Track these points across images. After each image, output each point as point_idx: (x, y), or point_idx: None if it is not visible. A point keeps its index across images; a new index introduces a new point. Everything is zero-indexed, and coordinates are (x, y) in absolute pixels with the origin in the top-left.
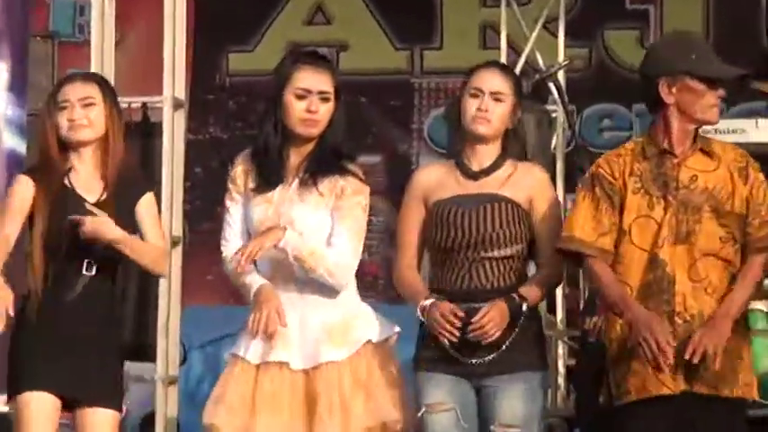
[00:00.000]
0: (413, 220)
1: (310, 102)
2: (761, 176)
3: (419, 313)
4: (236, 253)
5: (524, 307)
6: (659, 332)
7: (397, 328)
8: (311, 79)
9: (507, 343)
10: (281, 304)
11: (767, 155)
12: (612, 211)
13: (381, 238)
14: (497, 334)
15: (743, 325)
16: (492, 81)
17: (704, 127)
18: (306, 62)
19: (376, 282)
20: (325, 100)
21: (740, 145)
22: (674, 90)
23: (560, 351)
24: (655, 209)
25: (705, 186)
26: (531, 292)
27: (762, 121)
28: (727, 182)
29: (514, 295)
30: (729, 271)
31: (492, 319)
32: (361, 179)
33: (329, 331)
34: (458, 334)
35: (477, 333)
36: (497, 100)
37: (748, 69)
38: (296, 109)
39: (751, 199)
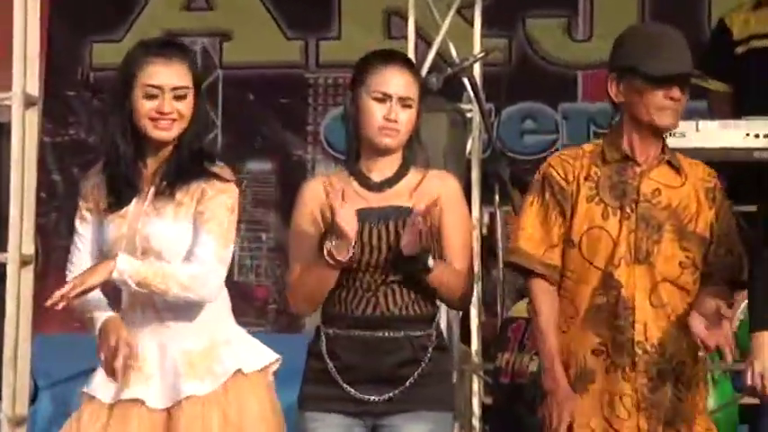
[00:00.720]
0: (310, 233)
1: (162, 101)
2: (727, 202)
3: (326, 254)
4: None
5: (430, 262)
6: (566, 417)
7: (277, 356)
8: (163, 74)
9: (412, 378)
10: (129, 335)
11: (710, 162)
12: (563, 220)
13: (272, 258)
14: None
15: (704, 369)
16: (399, 83)
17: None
18: (155, 54)
19: (265, 308)
20: (181, 97)
21: (679, 150)
22: (621, 88)
23: (475, 387)
24: (609, 220)
25: (668, 203)
26: (440, 265)
27: (703, 123)
28: (692, 201)
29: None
30: (687, 302)
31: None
32: (225, 179)
33: (191, 362)
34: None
35: (414, 229)
36: (406, 106)
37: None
38: (146, 109)
39: (716, 224)
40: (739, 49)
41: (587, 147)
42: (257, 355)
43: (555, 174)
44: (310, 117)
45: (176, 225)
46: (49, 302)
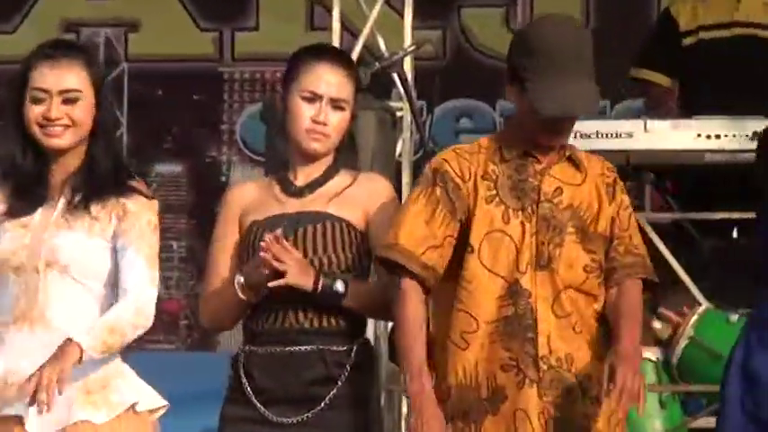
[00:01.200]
0: (228, 243)
1: (50, 105)
2: (626, 198)
3: (239, 291)
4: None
5: (339, 287)
6: None
7: (165, 402)
8: (49, 76)
9: (327, 399)
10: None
11: (660, 164)
12: (451, 219)
13: (183, 269)
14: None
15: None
16: (331, 83)
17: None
18: (44, 55)
19: (176, 324)
20: (71, 101)
21: (626, 152)
22: (511, 86)
23: (405, 409)
24: (511, 223)
25: (570, 202)
26: (357, 286)
27: (652, 123)
28: (594, 199)
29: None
30: (594, 308)
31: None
32: (146, 195)
33: (87, 389)
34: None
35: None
36: (338, 107)
37: (633, 59)
38: (34, 115)
39: (617, 220)
40: (687, 41)
41: (483, 142)
42: (149, 396)
43: (450, 170)
44: (225, 115)
45: (90, 241)
46: (43, 403)
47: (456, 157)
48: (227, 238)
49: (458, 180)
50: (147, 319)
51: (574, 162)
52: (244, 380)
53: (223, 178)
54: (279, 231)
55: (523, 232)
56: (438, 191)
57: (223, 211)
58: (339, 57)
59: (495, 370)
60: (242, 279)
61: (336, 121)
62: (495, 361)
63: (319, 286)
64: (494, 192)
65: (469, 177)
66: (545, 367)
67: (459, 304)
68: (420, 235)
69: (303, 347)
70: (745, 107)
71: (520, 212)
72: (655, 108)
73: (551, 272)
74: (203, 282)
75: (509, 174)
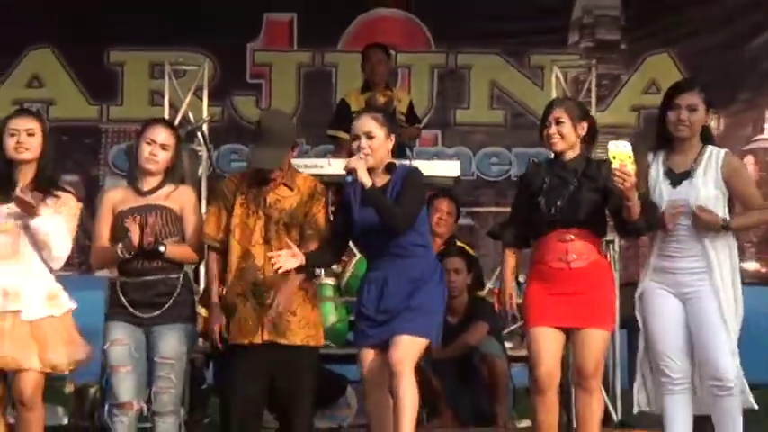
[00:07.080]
0: (105, 222)
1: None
2: (322, 201)
3: (119, 252)
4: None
5: (160, 249)
6: (217, 323)
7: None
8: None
9: (170, 302)
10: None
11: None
12: (228, 216)
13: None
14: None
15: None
16: (162, 135)
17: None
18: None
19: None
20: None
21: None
22: None
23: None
24: (250, 217)
25: (283, 207)
26: (173, 248)
27: (335, 161)
28: (301, 205)
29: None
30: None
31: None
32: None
33: (48, 295)
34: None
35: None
36: (164, 149)
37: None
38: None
39: (309, 213)
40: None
41: (248, 171)
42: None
43: (225, 189)
44: (102, 150)
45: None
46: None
47: (229, 181)
48: (104, 220)
49: (228, 194)
50: (64, 249)
51: (287, 185)
52: (120, 294)
53: (101, 184)
54: (137, 217)
55: (255, 223)
56: (221, 202)
57: (103, 201)
58: (165, 123)
59: (234, 294)
60: (121, 245)
61: (163, 156)
62: (234, 289)
63: (152, 249)
64: (244, 200)
65: (234, 192)
66: (267, 294)
67: (224, 258)
68: (214, 227)
69: (154, 277)
70: None
71: (255, 212)
72: (341, 152)
73: (270, 244)
74: (93, 243)
75: (252, 191)
